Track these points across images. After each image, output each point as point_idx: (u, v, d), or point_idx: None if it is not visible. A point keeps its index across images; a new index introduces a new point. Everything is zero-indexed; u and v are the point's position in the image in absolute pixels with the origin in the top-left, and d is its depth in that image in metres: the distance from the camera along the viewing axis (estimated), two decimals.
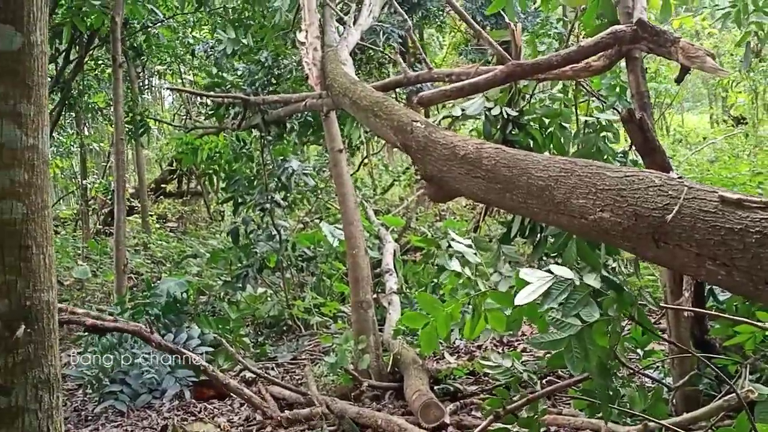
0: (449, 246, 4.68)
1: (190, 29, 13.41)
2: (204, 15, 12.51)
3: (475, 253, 3.32)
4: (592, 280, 2.81)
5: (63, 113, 13.71)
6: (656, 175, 2.81)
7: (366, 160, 18.18)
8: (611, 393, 4.39)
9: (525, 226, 6.16)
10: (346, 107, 5.95)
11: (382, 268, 9.38)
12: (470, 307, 3.16)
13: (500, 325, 3.28)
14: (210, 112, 9.49)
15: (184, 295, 7.71)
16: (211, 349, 6.76)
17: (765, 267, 2.24)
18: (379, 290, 8.80)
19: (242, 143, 8.85)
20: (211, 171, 12.10)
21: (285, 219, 9.93)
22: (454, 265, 3.21)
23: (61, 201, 20.13)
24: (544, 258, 6.29)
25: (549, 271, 2.94)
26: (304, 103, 7.35)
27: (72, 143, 16.15)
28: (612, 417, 4.70)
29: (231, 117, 8.55)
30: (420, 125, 4.66)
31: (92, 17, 7.57)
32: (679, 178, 2.73)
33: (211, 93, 8.41)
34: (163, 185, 19.70)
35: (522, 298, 2.73)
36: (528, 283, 2.82)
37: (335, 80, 6.38)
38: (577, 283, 2.96)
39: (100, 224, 17.37)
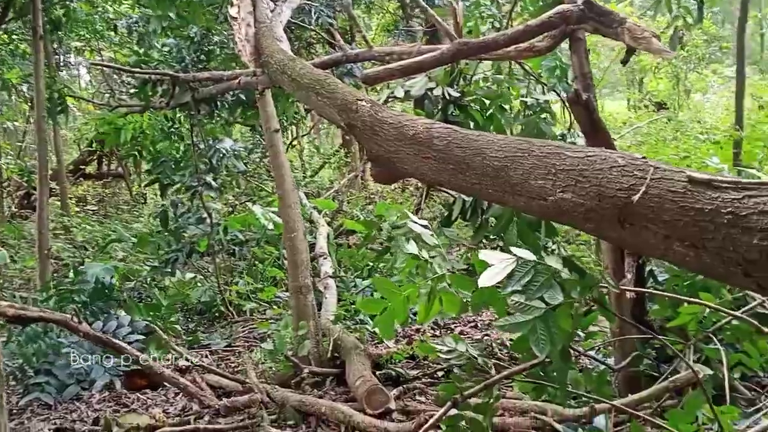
0: (395, 228, 4.59)
1: (110, 3, 12.86)
2: None
3: (432, 235, 3.21)
4: (554, 262, 2.74)
5: None
6: (619, 155, 2.76)
7: (295, 142, 17.93)
8: (559, 375, 4.40)
9: (466, 208, 6.16)
10: (285, 85, 5.75)
11: (315, 252, 9.22)
12: (426, 290, 3.06)
13: (455, 308, 3.20)
14: (135, 90, 9.08)
15: (112, 281, 7.37)
16: (142, 337, 6.49)
17: (737, 248, 2.21)
18: (314, 275, 8.66)
19: (170, 122, 8.52)
20: (135, 152, 11.68)
21: (215, 201, 9.66)
22: (411, 247, 3.09)
23: None
24: (484, 240, 6.30)
25: (510, 253, 2.86)
26: (237, 80, 7.09)
27: None
28: (555, 399, 4.73)
29: (158, 95, 8.18)
30: (365, 104, 4.52)
31: None
32: (643, 158, 2.69)
33: (137, 69, 8.04)
34: (82, 167, 18.94)
35: (486, 280, 2.65)
36: (489, 265, 2.74)
37: (272, 57, 6.15)
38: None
39: (15, 207, 16.62)
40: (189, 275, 9.52)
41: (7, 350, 6.01)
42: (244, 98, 8.30)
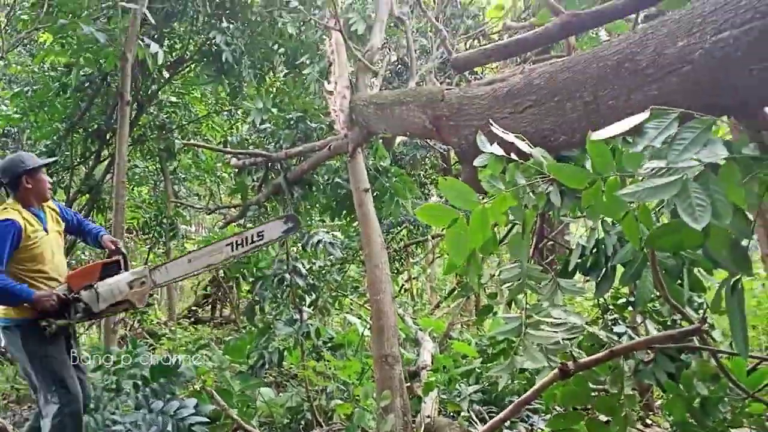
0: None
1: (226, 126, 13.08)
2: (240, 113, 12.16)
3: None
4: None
5: (91, 217, 13.16)
6: None
7: (407, 284, 17.22)
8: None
9: (586, 258, 5.11)
10: (370, 117, 5.15)
11: (418, 364, 8.25)
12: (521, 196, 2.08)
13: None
14: (233, 187, 8.78)
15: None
16: (207, 421, 5.57)
17: None
18: (416, 384, 7.64)
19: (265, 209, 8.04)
20: (238, 275, 11.28)
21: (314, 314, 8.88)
22: (494, 148, 2.12)
23: None
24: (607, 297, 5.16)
25: None
26: (328, 147, 6.61)
27: None
28: None
29: (252, 181, 7.79)
30: (454, 91, 3.80)
31: (104, 57, 7.05)
32: None
33: (229, 149, 7.72)
34: (195, 308, 18.86)
35: (606, 132, 1.69)
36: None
37: (359, 99, 5.69)
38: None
39: None
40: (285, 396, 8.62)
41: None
42: (341, 182, 7.75)
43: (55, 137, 10.53)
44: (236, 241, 5.06)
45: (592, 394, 2.58)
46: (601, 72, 2.48)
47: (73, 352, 4.74)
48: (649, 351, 4.63)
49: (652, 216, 3.09)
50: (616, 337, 2.63)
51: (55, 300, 4.37)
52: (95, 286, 4.53)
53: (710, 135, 1.75)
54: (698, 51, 2.02)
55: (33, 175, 4.58)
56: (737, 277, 1.84)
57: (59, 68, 9.79)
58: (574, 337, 3.27)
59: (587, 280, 5.43)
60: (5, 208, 4.46)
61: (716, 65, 1.97)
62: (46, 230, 4.62)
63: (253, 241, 5.11)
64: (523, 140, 2.28)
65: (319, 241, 7.68)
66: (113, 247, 4.91)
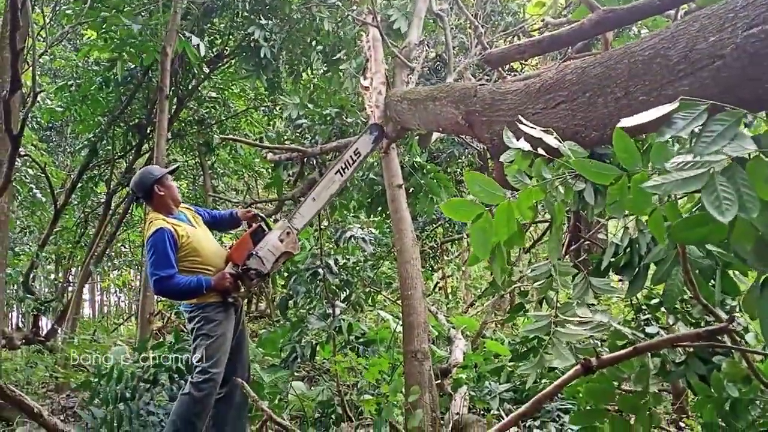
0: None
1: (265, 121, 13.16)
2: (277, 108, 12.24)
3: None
4: None
5: (131, 210, 13.35)
6: None
7: (441, 281, 17.16)
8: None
9: (619, 257, 5.06)
10: (404, 112, 5.14)
11: (450, 362, 8.23)
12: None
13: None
14: (269, 180, 8.83)
15: None
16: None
17: None
18: (447, 381, 7.62)
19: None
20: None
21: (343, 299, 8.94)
22: (521, 144, 2.13)
23: None
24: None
25: None
26: None
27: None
28: None
29: (288, 176, 7.85)
30: (487, 86, 3.78)
31: (145, 52, 7.17)
32: None
33: (266, 144, 7.78)
34: None
35: (631, 120, 1.68)
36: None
37: (393, 95, 5.67)
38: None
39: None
40: (318, 389, 8.69)
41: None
42: (375, 179, 7.77)
43: (97, 131, 10.72)
44: (341, 167, 5.51)
45: (620, 392, 2.57)
46: (632, 67, 2.45)
47: (240, 326, 5.24)
48: (681, 352, 4.58)
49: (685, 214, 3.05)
50: (643, 336, 2.60)
51: (229, 278, 4.81)
52: (255, 252, 4.94)
53: (739, 128, 1.72)
54: (730, 46, 1.99)
55: (163, 183, 4.98)
56: (766, 275, 1.82)
57: (102, 63, 9.97)
58: (605, 338, 3.25)
59: (620, 280, 5.39)
60: (151, 222, 4.83)
61: (748, 60, 1.94)
62: (193, 226, 5.00)
63: (354, 161, 5.55)
64: (552, 135, 2.27)
65: (351, 237, 7.71)
66: (250, 215, 5.42)
